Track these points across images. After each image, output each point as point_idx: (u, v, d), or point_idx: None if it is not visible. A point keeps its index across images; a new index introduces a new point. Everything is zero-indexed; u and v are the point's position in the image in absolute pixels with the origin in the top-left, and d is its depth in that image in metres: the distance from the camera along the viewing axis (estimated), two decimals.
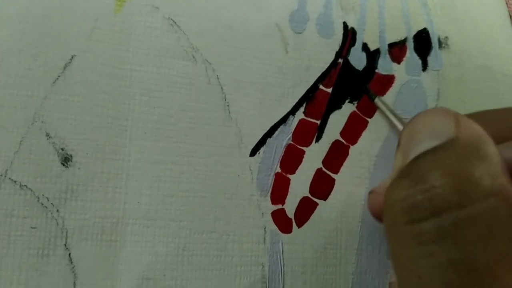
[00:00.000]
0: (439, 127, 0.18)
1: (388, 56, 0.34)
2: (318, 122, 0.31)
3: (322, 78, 0.32)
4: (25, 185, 0.26)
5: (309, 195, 0.30)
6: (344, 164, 0.31)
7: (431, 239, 0.17)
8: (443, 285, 0.16)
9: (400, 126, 0.30)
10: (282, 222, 0.30)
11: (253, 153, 0.30)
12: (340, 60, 0.33)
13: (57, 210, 0.26)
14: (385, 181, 0.29)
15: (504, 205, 0.16)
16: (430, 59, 0.35)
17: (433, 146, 0.18)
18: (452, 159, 0.17)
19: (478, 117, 0.24)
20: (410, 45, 0.34)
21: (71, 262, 0.26)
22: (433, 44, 0.35)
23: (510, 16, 0.38)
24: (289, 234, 0.30)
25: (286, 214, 0.30)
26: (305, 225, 0.30)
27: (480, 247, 0.16)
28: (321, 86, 0.32)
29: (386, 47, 0.34)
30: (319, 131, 0.31)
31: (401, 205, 0.18)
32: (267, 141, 0.30)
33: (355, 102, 0.32)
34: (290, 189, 0.30)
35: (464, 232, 0.16)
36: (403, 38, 0.34)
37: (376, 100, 0.32)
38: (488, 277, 0.16)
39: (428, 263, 0.17)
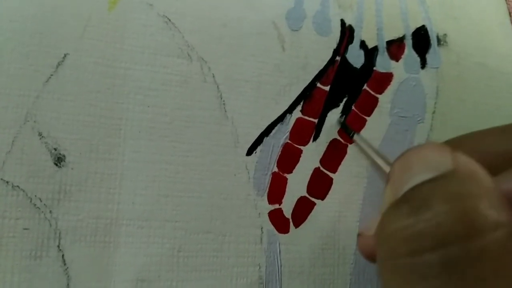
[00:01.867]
0: (435, 161, 0.17)
1: (386, 53, 0.33)
2: (316, 120, 0.31)
3: (319, 76, 0.32)
4: (17, 186, 0.25)
5: (307, 195, 0.30)
6: (342, 163, 0.31)
7: (435, 272, 0.15)
8: None
9: (383, 164, 0.27)
10: (279, 222, 0.29)
11: (249, 152, 0.29)
12: (338, 58, 0.32)
13: (50, 211, 0.26)
14: (373, 221, 0.28)
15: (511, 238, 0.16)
16: (428, 56, 0.34)
17: (431, 177, 0.17)
18: (454, 188, 0.16)
19: (466, 144, 0.23)
20: (408, 42, 0.34)
21: (65, 264, 0.26)
22: (431, 42, 0.35)
23: (510, 14, 0.38)
24: (286, 234, 0.29)
25: (283, 214, 0.29)
26: (303, 225, 0.30)
27: (490, 282, 0.15)
28: (318, 84, 0.31)
29: (384, 45, 0.33)
30: (317, 130, 0.31)
31: (400, 234, 0.16)
32: (264, 140, 0.30)
33: (353, 101, 0.32)
34: (287, 189, 0.30)
35: (473, 266, 0.15)
36: (401, 36, 0.34)
37: (355, 137, 0.30)
38: None
39: None
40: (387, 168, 0.25)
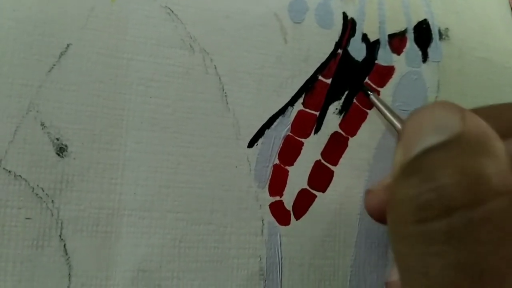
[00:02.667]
0: (445, 122, 0.17)
1: (388, 47, 0.33)
2: (317, 113, 0.31)
3: (321, 69, 0.32)
4: (19, 175, 0.26)
5: (308, 187, 0.30)
6: (343, 156, 0.31)
7: (441, 239, 0.16)
8: (452, 287, 0.16)
9: (397, 123, 0.28)
10: (280, 214, 0.29)
11: (251, 144, 0.29)
12: (340, 51, 0.32)
13: (52, 201, 0.26)
14: (383, 180, 0.29)
15: None
16: (430, 50, 0.34)
17: (439, 141, 0.17)
18: (460, 156, 0.16)
19: (480, 112, 0.23)
20: (410, 36, 0.34)
21: (66, 253, 0.26)
22: (433, 36, 0.35)
23: (511, 8, 0.38)
24: (287, 226, 0.29)
25: (284, 206, 0.29)
26: (303, 217, 0.30)
27: (492, 249, 0.15)
28: (320, 77, 0.31)
29: (386, 38, 0.33)
30: (318, 123, 0.31)
31: (408, 203, 0.17)
32: (266, 132, 0.30)
33: (355, 93, 0.32)
34: (288, 181, 0.30)
35: (475, 233, 0.16)
36: (403, 29, 0.34)
37: (372, 97, 0.31)
38: (498, 280, 0.15)
39: (437, 264, 0.16)
40: (399, 126, 0.27)
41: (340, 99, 0.32)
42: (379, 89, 0.33)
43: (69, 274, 0.26)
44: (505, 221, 0.16)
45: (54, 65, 0.27)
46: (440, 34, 0.35)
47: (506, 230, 0.16)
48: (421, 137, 0.18)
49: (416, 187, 0.17)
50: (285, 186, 0.30)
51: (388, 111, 0.29)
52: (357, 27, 0.33)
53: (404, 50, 0.34)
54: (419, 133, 0.18)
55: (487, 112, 0.22)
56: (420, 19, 0.35)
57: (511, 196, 0.16)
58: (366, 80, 0.32)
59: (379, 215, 0.27)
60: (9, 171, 0.25)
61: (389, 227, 0.19)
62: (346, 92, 0.32)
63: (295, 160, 0.30)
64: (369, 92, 0.31)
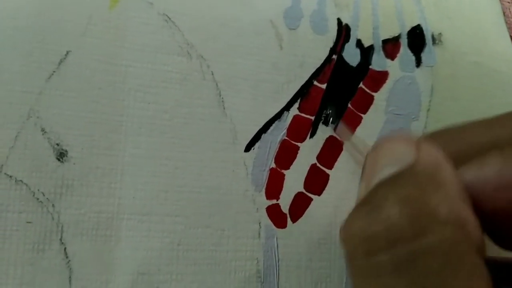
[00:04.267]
0: (399, 153, 0.17)
1: (382, 52, 0.34)
2: (313, 118, 0.32)
3: (316, 74, 0.32)
4: (20, 180, 0.26)
5: (304, 191, 0.31)
6: (339, 159, 0.32)
7: (387, 272, 0.16)
8: None
9: (361, 157, 0.28)
10: (276, 217, 0.30)
11: (247, 148, 0.30)
12: (334, 56, 0.33)
13: (53, 205, 0.26)
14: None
15: (461, 235, 0.16)
16: (423, 55, 0.35)
17: (391, 173, 0.17)
18: (408, 187, 0.16)
19: (444, 134, 0.23)
20: (404, 41, 0.35)
21: (67, 257, 0.26)
22: (426, 41, 0.35)
23: (504, 13, 0.39)
24: (283, 229, 0.30)
25: (280, 209, 0.30)
26: (300, 220, 0.30)
27: (438, 280, 0.15)
28: (315, 82, 0.32)
29: (380, 44, 0.34)
30: (314, 127, 0.31)
31: (358, 235, 0.17)
32: (262, 136, 0.30)
33: (349, 98, 0.32)
34: (284, 185, 0.30)
35: (420, 264, 0.15)
36: (397, 35, 0.35)
37: (335, 131, 0.31)
38: None
39: None
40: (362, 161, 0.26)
41: (335, 103, 0.32)
42: (373, 93, 0.33)
43: (70, 277, 0.26)
44: (450, 251, 0.15)
45: (54, 72, 0.27)
46: (434, 39, 0.36)
47: (451, 261, 0.15)
48: (378, 170, 0.18)
49: (364, 218, 0.17)
50: (282, 189, 0.30)
51: (352, 145, 0.29)
52: (351, 33, 0.34)
53: (398, 55, 0.34)
54: (376, 167, 0.18)
55: (457, 136, 0.22)
56: (414, 25, 0.35)
57: (457, 225, 0.16)
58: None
59: None
60: (10, 176, 0.26)
61: (345, 261, 0.18)
62: (341, 97, 0.32)
63: (291, 164, 0.31)
64: (332, 124, 0.31)
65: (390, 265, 0.16)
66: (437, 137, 0.20)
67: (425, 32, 0.35)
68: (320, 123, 0.32)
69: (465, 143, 0.21)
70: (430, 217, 0.16)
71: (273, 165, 0.30)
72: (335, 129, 0.32)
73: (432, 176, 0.17)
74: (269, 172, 0.30)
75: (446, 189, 0.16)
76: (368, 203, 0.17)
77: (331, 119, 0.32)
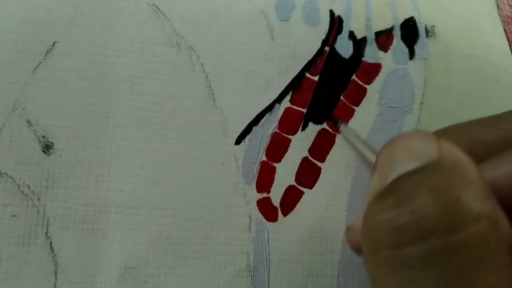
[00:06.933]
0: (420, 150, 0.17)
1: (375, 44, 0.33)
2: (304, 110, 0.31)
3: (308, 66, 0.32)
4: (5, 173, 0.25)
5: (295, 184, 0.30)
6: (330, 152, 0.31)
7: (418, 264, 0.15)
8: None
9: (369, 154, 0.27)
10: (267, 210, 0.29)
11: (238, 141, 0.30)
12: (327, 48, 0.32)
13: (38, 198, 0.26)
14: (362, 214, 0.28)
15: (494, 230, 0.15)
16: (417, 47, 0.35)
17: (415, 167, 0.17)
18: (438, 180, 0.16)
19: (450, 132, 0.23)
20: (397, 33, 0.34)
21: (53, 251, 0.26)
22: (420, 33, 0.35)
23: (497, 6, 0.38)
24: (274, 223, 0.29)
25: (271, 203, 0.30)
26: (291, 213, 0.30)
27: (471, 276, 0.15)
28: (307, 74, 0.32)
29: (373, 36, 0.34)
30: (305, 120, 0.31)
31: (385, 227, 0.16)
32: (253, 129, 0.30)
33: (342, 91, 0.32)
34: (275, 178, 0.30)
35: (454, 258, 0.15)
36: (390, 27, 0.34)
37: (342, 127, 0.30)
38: None
39: None
40: (373, 158, 0.25)
41: (327, 95, 0.32)
42: (366, 86, 0.33)
43: (56, 271, 0.26)
44: (484, 247, 0.15)
45: (40, 62, 0.27)
46: (427, 31, 0.35)
47: (485, 256, 0.15)
48: (397, 165, 0.17)
49: (392, 209, 0.16)
50: (273, 182, 0.30)
51: (360, 143, 0.28)
52: (344, 25, 0.33)
53: (391, 47, 0.34)
54: (394, 161, 0.18)
55: (461, 135, 0.21)
56: (407, 17, 0.35)
57: (489, 221, 0.15)
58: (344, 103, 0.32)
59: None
60: None
61: (365, 254, 0.18)
62: (333, 89, 0.32)
63: (282, 157, 0.30)
64: (339, 122, 0.30)
65: (420, 257, 0.15)
66: (445, 134, 0.20)
67: (418, 25, 0.35)
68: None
69: (473, 141, 0.21)
70: (463, 212, 0.15)
71: (264, 158, 0.30)
72: (328, 122, 0.31)
73: (460, 172, 0.16)
74: (260, 165, 0.30)
75: (476, 185, 0.16)
76: (392, 195, 0.17)
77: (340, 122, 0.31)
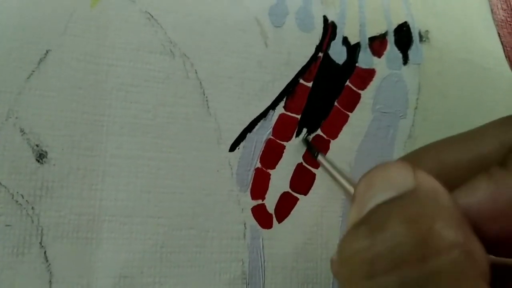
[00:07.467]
0: (397, 180, 0.17)
1: (368, 50, 0.34)
2: (299, 116, 0.31)
3: (302, 72, 0.32)
4: None
5: (290, 190, 0.30)
6: None
7: None
8: None
9: (346, 184, 0.27)
10: (262, 217, 0.29)
11: (232, 148, 0.29)
12: (321, 54, 0.32)
13: (32, 208, 0.26)
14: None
15: (468, 258, 0.15)
16: (410, 53, 0.35)
17: (391, 196, 0.17)
18: (412, 209, 0.16)
19: (419, 156, 0.23)
20: (390, 39, 0.34)
21: (47, 260, 0.26)
22: (413, 38, 0.35)
23: (492, 10, 0.38)
24: (269, 230, 0.29)
25: (266, 210, 0.30)
26: (286, 220, 0.30)
27: None
28: (301, 80, 0.32)
29: (367, 41, 0.34)
30: (300, 126, 0.31)
31: (359, 257, 0.16)
32: (247, 136, 0.30)
33: (336, 97, 0.32)
34: (270, 184, 0.30)
35: (429, 287, 0.15)
36: (383, 32, 0.34)
37: (319, 158, 0.30)
38: None
39: None
40: (351, 189, 0.26)
41: (321, 102, 0.32)
42: (360, 91, 0.33)
43: (50, 281, 0.25)
44: (458, 274, 0.15)
45: (34, 71, 0.27)
46: (421, 36, 0.35)
47: (460, 284, 0.15)
48: (374, 195, 0.17)
49: (365, 238, 0.16)
50: (267, 189, 0.30)
51: (338, 173, 0.28)
52: (337, 31, 0.33)
53: (385, 52, 0.34)
54: (371, 192, 0.18)
55: (434, 157, 0.21)
56: (400, 22, 0.35)
57: (462, 248, 0.15)
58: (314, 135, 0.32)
59: None
60: None
61: (340, 285, 0.18)
62: (327, 95, 0.32)
63: (277, 164, 0.30)
64: (316, 153, 0.30)
65: (396, 287, 0.15)
66: (418, 158, 0.20)
67: (412, 30, 0.35)
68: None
69: (448, 163, 0.21)
70: (436, 240, 0.15)
71: (259, 165, 0.30)
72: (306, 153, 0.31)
73: (434, 201, 0.16)
74: (254, 172, 0.30)
75: (449, 214, 0.16)
76: (366, 223, 0.17)
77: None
